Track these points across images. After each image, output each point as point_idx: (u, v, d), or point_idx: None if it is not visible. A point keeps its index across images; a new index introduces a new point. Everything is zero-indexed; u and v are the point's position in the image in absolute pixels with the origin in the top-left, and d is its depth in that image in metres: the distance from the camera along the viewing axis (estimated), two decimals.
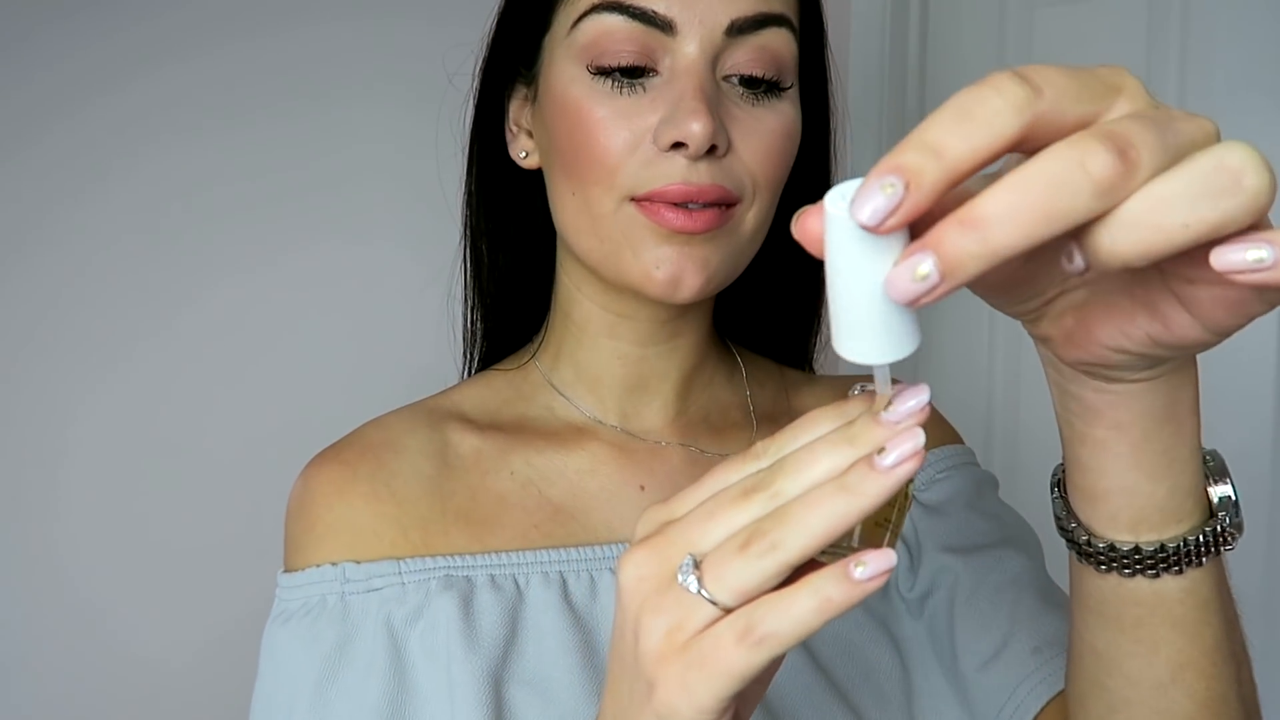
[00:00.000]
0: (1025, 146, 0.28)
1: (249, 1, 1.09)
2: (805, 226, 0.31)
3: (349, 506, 0.59)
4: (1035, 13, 1.47)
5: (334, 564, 0.57)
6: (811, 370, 0.75)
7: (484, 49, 0.65)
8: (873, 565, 0.32)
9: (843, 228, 0.29)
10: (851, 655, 0.61)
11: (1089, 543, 0.42)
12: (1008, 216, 0.26)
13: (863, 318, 0.30)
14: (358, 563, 0.57)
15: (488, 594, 0.57)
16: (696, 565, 0.34)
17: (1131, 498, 0.40)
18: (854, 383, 0.40)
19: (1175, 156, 0.28)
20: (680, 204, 0.55)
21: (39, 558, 1.02)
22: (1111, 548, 0.41)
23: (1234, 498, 0.42)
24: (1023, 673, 0.59)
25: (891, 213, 0.27)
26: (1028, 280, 0.35)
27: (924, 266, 0.27)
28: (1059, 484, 0.44)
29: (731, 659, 0.33)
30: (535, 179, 0.64)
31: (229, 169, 1.09)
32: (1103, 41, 1.42)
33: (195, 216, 1.08)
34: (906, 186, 0.27)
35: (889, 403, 0.33)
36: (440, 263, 0.76)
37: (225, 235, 1.09)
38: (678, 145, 0.54)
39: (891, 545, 0.37)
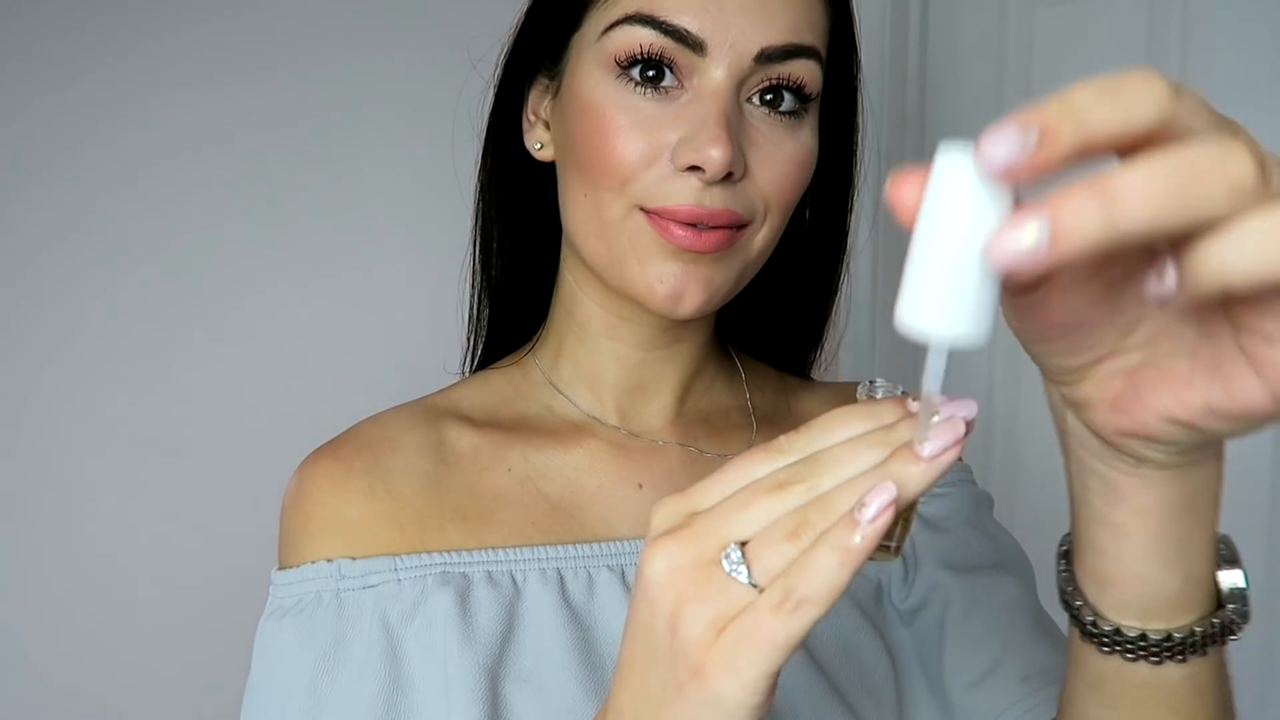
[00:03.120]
0: (1151, 145, 0.27)
1: (254, 3, 1.09)
2: (901, 192, 0.29)
3: (345, 503, 0.58)
4: (1035, 13, 1.47)
5: (329, 560, 0.57)
6: (809, 378, 0.75)
7: (510, 39, 0.65)
8: (874, 505, 0.32)
9: (950, 181, 0.27)
10: (848, 655, 0.61)
11: (1094, 624, 0.41)
12: (1142, 191, 0.25)
13: (944, 283, 0.28)
14: (353, 559, 0.57)
15: (485, 591, 0.56)
16: (740, 552, 0.34)
17: (1144, 586, 0.40)
18: (858, 384, 0.40)
19: None
20: (690, 223, 0.55)
21: (38, 557, 1.02)
22: (1118, 632, 0.41)
23: (1244, 587, 0.42)
24: (1009, 700, 0.59)
25: (1018, 161, 0.26)
26: (1091, 324, 0.34)
27: (1035, 230, 0.25)
28: (1065, 555, 0.44)
29: (775, 630, 0.33)
30: (549, 171, 0.64)
31: (229, 168, 1.09)
32: (1103, 41, 1.41)
33: (202, 214, 1.08)
34: (1041, 139, 0.25)
35: (935, 414, 0.33)
36: (444, 261, 0.76)
37: (232, 232, 1.09)
38: (694, 168, 0.54)
39: (908, 530, 0.37)
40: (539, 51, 0.62)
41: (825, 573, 0.32)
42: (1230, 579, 0.42)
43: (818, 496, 0.34)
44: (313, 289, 1.14)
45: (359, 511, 0.58)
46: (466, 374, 0.72)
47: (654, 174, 0.55)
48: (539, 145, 0.63)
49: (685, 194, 0.54)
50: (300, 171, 1.13)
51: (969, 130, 1.63)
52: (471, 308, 0.71)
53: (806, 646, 0.60)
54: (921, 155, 1.73)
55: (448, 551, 0.58)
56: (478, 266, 0.69)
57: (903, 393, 0.38)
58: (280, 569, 0.59)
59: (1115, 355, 0.35)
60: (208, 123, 1.08)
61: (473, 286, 0.70)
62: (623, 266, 0.57)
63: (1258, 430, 0.33)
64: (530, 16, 0.63)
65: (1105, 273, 0.33)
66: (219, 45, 1.08)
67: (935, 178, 0.28)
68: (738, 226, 0.56)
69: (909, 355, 1.62)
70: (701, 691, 0.34)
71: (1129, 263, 0.33)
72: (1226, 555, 0.42)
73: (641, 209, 0.56)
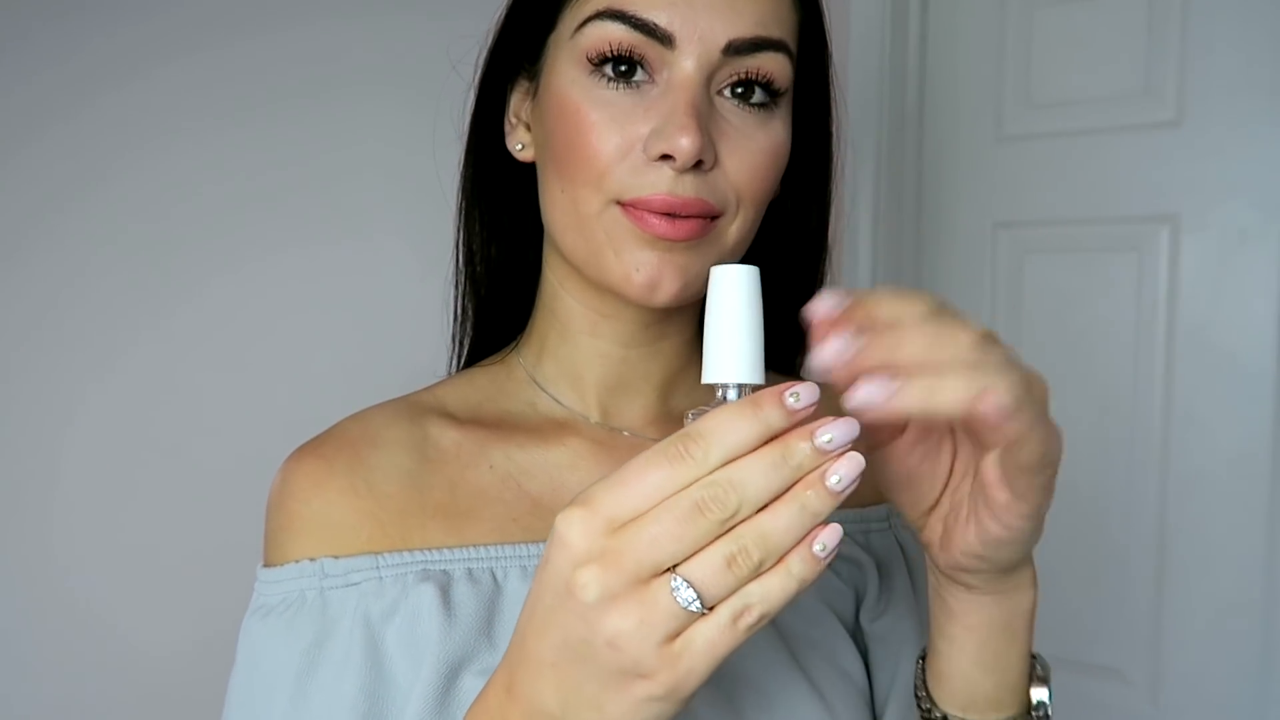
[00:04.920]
0: None
1: (246, 0, 1.09)
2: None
3: (326, 501, 0.59)
4: (1035, 13, 1.47)
5: (312, 559, 0.57)
6: (797, 375, 0.76)
7: (490, 41, 0.66)
8: (829, 544, 0.39)
9: (726, 284, 0.44)
10: (830, 663, 0.63)
11: (930, 710, 0.54)
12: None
13: (732, 348, 0.43)
14: (336, 558, 0.57)
15: (465, 587, 0.57)
16: (688, 583, 0.38)
17: (966, 684, 0.52)
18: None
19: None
20: (665, 212, 0.56)
21: (35, 555, 1.02)
22: (945, 717, 0.53)
23: (1048, 703, 0.53)
24: None
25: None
26: (921, 477, 0.48)
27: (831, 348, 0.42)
28: (923, 656, 0.55)
29: (731, 638, 0.38)
30: (530, 172, 0.65)
31: (226, 167, 1.09)
32: (1103, 41, 1.42)
33: (192, 215, 1.08)
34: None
35: (823, 428, 0.40)
36: (438, 259, 0.76)
37: (222, 234, 1.10)
38: (666, 157, 0.55)
39: None
40: (518, 53, 0.63)
41: (782, 594, 0.39)
42: (1038, 694, 0.53)
43: (746, 523, 0.38)
44: (303, 288, 1.15)
45: (341, 510, 0.59)
46: (453, 372, 0.72)
47: (627, 166, 0.56)
48: (520, 146, 0.64)
49: (658, 184, 0.55)
50: (286, 174, 1.13)
51: (968, 129, 1.64)
52: (456, 307, 0.71)
53: (791, 653, 0.62)
54: (921, 155, 1.74)
55: (429, 549, 0.58)
56: (461, 266, 0.70)
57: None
58: (265, 567, 0.60)
59: (938, 506, 0.49)
60: (201, 126, 1.08)
61: (456, 286, 0.71)
62: (600, 258, 0.58)
63: (1025, 550, 0.47)
64: (508, 19, 0.64)
65: (925, 439, 0.48)
66: (199, 45, 1.08)
67: (713, 285, 0.44)
68: (711, 217, 0.57)
69: None
70: (651, 688, 0.39)
71: (940, 433, 0.48)
72: (1040, 675, 0.54)
73: (617, 203, 0.57)
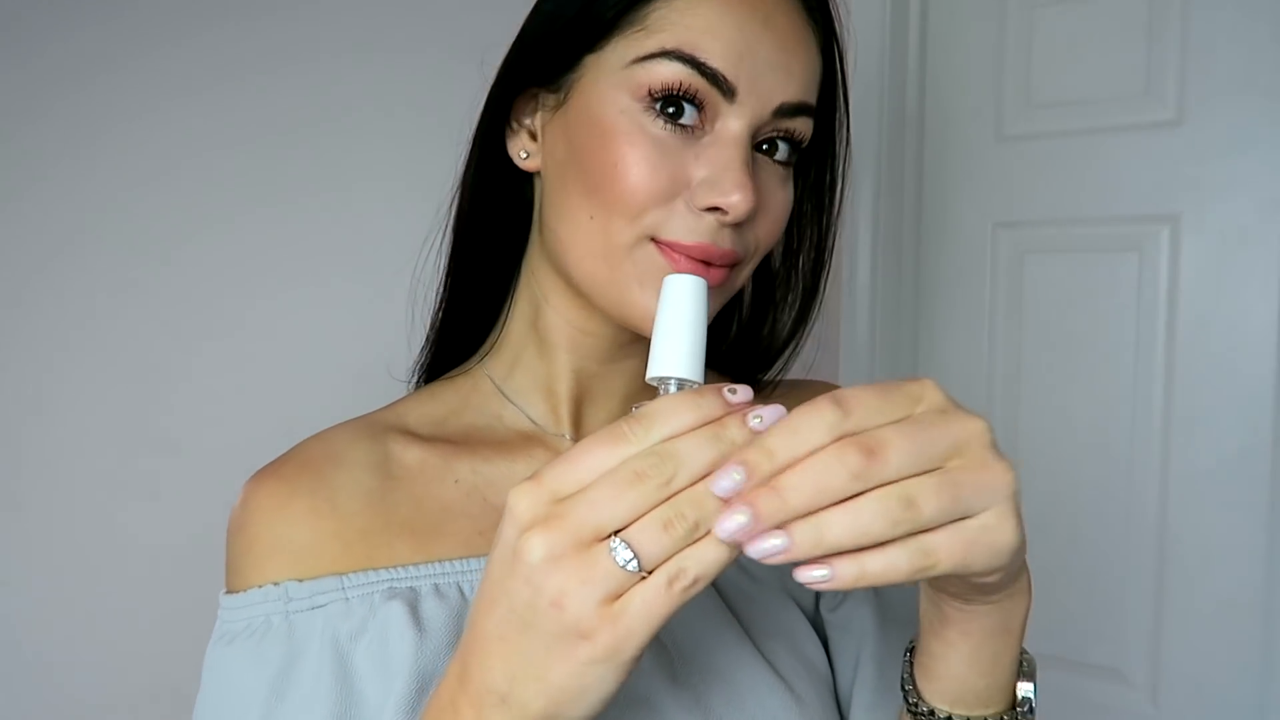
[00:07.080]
0: None
1: (269, 11, 1.09)
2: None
3: (289, 524, 0.58)
4: (1035, 13, 1.47)
5: (276, 584, 0.57)
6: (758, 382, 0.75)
7: (511, 49, 0.64)
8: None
9: (677, 292, 0.49)
10: (794, 650, 0.64)
11: (917, 704, 0.54)
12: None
13: (677, 345, 0.48)
14: (300, 581, 0.57)
15: (432, 603, 0.57)
16: (626, 544, 0.39)
17: (957, 683, 0.52)
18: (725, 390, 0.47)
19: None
20: (700, 259, 0.56)
21: (30, 553, 1.02)
22: (932, 712, 0.54)
23: (1032, 698, 0.54)
24: None
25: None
26: None
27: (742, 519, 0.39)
28: (910, 651, 0.56)
29: (668, 601, 0.40)
30: (525, 180, 0.64)
31: (228, 169, 1.09)
32: (1103, 41, 1.41)
33: (192, 215, 1.08)
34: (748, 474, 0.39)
35: (755, 410, 0.42)
36: (435, 262, 0.76)
37: (220, 235, 1.10)
38: (715, 209, 0.55)
39: None
40: (544, 62, 0.60)
41: (716, 559, 0.40)
42: (1024, 689, 0.54)
43: (682, 492, 0.40)
44: (305, 290, 1.15)
45: (304, 532, 0.58)
46: (417, 380, 0.72)
47: (671, 210, 0.56)
48: (524, 155, 0.63)
49: (700, 231, 0.56)
50: (288, 177, 1.13)
51: (968, 129, 1.63)
52: (437, 312, 0.70)
53: (755, 644, 0.63)
54: (921, 155, 1.73)
55: (395, 567, 0.58)
56: (449, 272, 0.69)
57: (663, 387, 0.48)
58: (227, 593, 0.59)
59: None
60: (203, 129, 1.08)
61: (445, 289, 0.70)
62: (622, 290, 0.57)
63: (1009, 572, 0.44)
64: (537, 28, 0.61)
65: None
66: (225, 55, 1.08)
67: (666, 291, 0.49)
68: (734, 264, 0.58)
69: (906, 356, 1.61)
70: (593, 650, 0.40)
71: None
72: (1026, 670, 0.54)
73: (652, 239, 0.56)
